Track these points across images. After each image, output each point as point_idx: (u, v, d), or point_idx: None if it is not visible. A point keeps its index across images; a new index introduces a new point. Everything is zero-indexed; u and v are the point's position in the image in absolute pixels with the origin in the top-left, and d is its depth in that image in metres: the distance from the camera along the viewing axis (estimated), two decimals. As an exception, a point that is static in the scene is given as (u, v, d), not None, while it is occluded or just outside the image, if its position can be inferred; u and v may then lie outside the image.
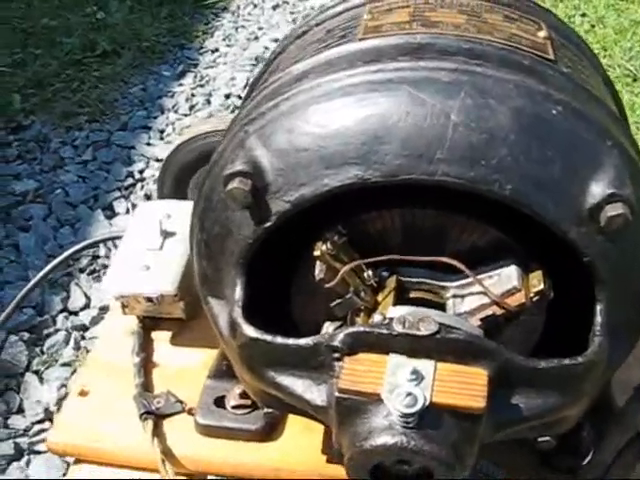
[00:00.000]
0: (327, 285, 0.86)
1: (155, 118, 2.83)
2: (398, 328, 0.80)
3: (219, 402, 1.23)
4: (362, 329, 0.81)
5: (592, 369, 0.84)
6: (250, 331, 0.87)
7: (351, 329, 0.81)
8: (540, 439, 1.03)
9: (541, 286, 0.85)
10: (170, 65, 3.20)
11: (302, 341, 0.85)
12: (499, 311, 0.85)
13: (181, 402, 1.26)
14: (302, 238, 0.89)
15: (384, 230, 0.89)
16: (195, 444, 1.21)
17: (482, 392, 0.78)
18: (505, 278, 0.86)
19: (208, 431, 1.21)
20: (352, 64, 0.85)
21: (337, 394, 0.80)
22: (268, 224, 0.86)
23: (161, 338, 1.37)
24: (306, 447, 1.16)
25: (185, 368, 1.32)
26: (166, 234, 1.38)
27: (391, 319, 0.81)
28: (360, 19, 0.96)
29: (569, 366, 0.83)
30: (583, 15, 3.40)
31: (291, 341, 0.85)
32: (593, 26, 3.30)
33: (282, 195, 0.84)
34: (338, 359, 0.82)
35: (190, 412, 1.24)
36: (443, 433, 0.77)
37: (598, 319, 0.85)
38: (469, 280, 0.87)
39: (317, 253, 0.86)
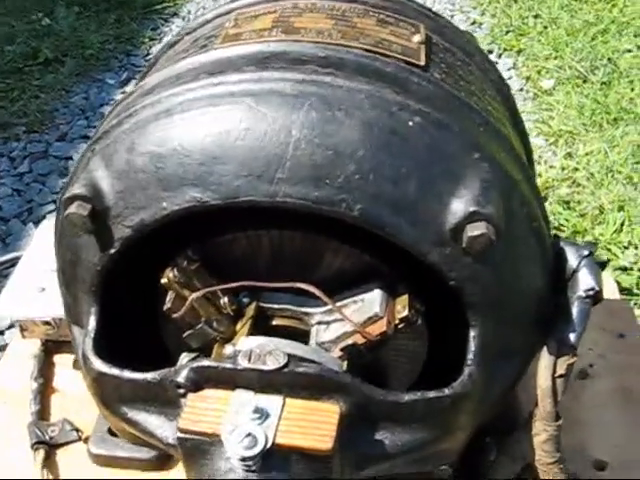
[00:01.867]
0: (174, 315, 0.80)
1: (95, 128, 2.74)
2: (243, 362, 0.73)
3: (114, 431, 1.17)
4: (206, 364, 0.75)
5: (461, 401, 0.78)
6: (98, 364, 0.81)
7: (195, 364, 0.75)
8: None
9: (405, 312, 0.79)
10: (115, 72, 3.13)
11: (149, 375, 0.79)
12: (360, 340, 0.79)
13: (77, 430, 1.20)
14: (157, 264, 0.83)
15: (244, 254, 0.83)
16: (90, 474, 1.15)
17: (330, 432, 0.72)
18: (368, 304, 0.80)
19: (102, 460, 1.15)
20: (196, 77, 0.78)
21: (178, 434, 0.73)
22: (112, 250, 0.79)
23: (64, 362, 1.31)
24: (200, 478, 1.10)
25: (85, 395, 1.25)
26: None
27: (238, 352, 0.75)
28: (223, 27, 0.90)
29: (435, 399, 0.76)
30: (536, 16, 3.36)
31: (138, 375, 0.79)
32: (546, 27, 3.25)
33: (122, 220, 0.78)
34: (183, 395, 0.76)
35: (86, 441, 1.18)
36: (290, 476, 0.71)
37: (471, 346, 0.79)
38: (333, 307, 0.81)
39: (164, 281, 0.79)
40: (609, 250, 2.09)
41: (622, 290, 1.80)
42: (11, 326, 2.04)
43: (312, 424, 0.72)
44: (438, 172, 0.75)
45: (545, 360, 0.85)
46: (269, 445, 0.70)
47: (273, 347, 0.75)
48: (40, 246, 1.36)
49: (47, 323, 1.27)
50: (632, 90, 2.73)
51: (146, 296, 0.88)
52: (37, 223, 2.33)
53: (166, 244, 0.82)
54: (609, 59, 2.91)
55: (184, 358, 0.80)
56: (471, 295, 0.77)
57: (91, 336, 0.83)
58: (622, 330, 1.35)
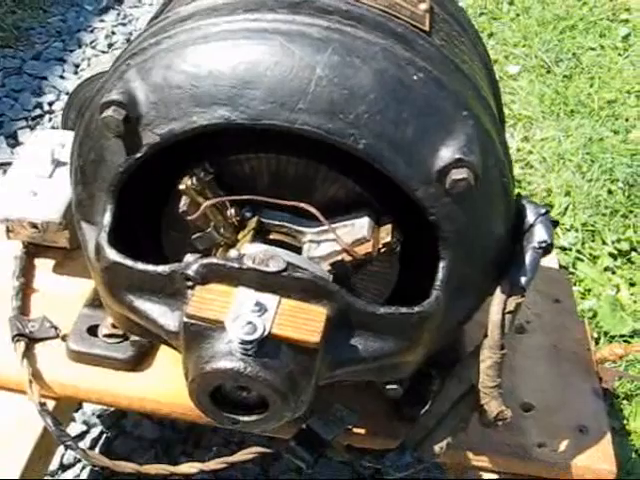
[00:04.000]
0: (189, 218, 0.91)
1: (71, 51, 2.78)
2: (248, 263, 0.85)
3: (92, 330, 1.26)
4: (215, 261, 0.86)
5: (427, 319, 0.91)
6: (113, 255, 0.91)
7: (205, 260, 0.87)
8: (388, 387, 1.11)
9: (388, 238, 0.91)
10: (94, -1, 3.16)
11: (160, 268, 0.89)
12: (348, 258, 0.91)
13: (56, 328, 1.29)
14: (174, 173, 0.94)
15: (253, 173, 0.94)
16: (65, 370, 1.24)
17: (319, 328, 0.84)
18: (357, 228, 0.92)
19: (78, 357, 1.24)
20: (233, 11, 0.89)
21: (185, 319, 0.85)
22: (139, 155, 0.90)
23: (44, 265, 1.39)
24: (172, 379, 1.19)
25: (65, 296, 1.34)
26: (57, 163, 1.40)
27: (244, 255, 0.86)
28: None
29: (405, 314, 0.89)
30: (510, 3, 3.48)
31: (150, 267, 0.90)
32: (518, 15, 3.38)
33: (153, 128, 0.88)
34: (191, 287, 0.87)
35: (64, 338, 1.27)
36: (280, 363, 0.83)
37: (439, 275, 0.92)
38: (325, 227, 0.93)
39: (182, 187, 0.90)
40: (552, 230, 2.24)
41: (560, 268, 1.96)
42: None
43: (303, 321, 0.84)
44: (432, 122, 0.88)
45: (498, 297, 0.99)
46: (266, 333, 0.82)
47: (274, 253, 0.87)
48: (32, 154, 1.42)
49: (35, 226, 1.34)
50: (591, 86, 2.89)
51: (153, 199, 0.98)
52: (8, 137, 2.36)
53: (184, 157, 0.92)
54: (574, 54, 3.07)
55: (190, 258, 0.91)
56: (445, 231, 0.90)
57: (106, 230, 0.93)
58: (558, 296, 1.51)
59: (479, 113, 0.92)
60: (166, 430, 1.68)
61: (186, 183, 0.90)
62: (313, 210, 0.90)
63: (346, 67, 0.85)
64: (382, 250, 0.92)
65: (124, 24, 2.95)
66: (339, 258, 0.92)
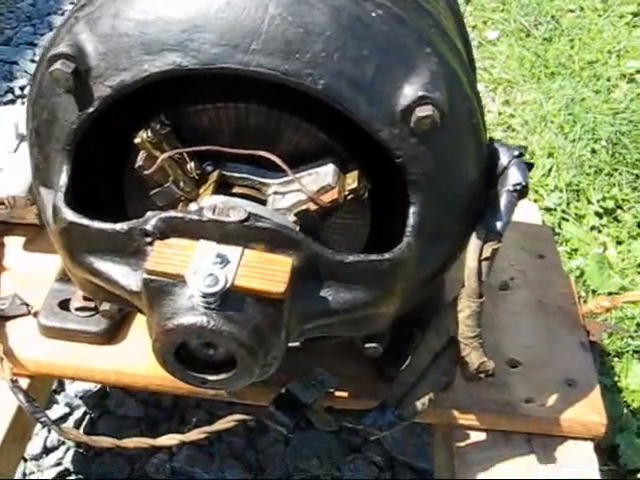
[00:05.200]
0: (145, 172, 0.87)
1: (42, 35, 2.75)
2: (208, 214, 0.82)
3: (64, 305, 1.23)
4: (173, 214, 0.83)
5: (398, 266, 0.87)
6: (69, 215, 0.88)
7: (163, 214, 0.83)
8: (367, 345, 1.08)
9: (355, 184, 0.88)
10: (64, -18, 3.11)
11: (118, 226, 0.86)
12: (313, 207, 0.88)
13: (27, 305, 1.26)
14: (132, 128, 0.90)
15: (212, 125, 0.91)
16: (37, 346, 1.21)
17: (284, 278, 0.81)
18: (322, 176, 0.89)
19: (51, 333, 1.22)
20: (181, -47, 0.85)
21: (144, 275, 0.81)
22: (91, 109, 0.86)
23: (14, 243, 1.36)
24: (148, 352, 1.15)
25: (36, 273, 1.31)
26: (22, 137, 1.36)
27: (203, 207, 0.83)
28: None
29: (376, 262, 0.86)
30: (487, -31, 3.46)
31: (108, 225, 0.87)
32: (496, -20, 3.36)
33: (104, 80, 0.84)
34: (150, 244, 0.84)
35: (35, 315, 1.24)
36: (245, 316, 0.80)
37: (410, 221, 0.89)
38: (289, 178, 0.90)
39: (137, 140, 0.87)
40: (536, 192, 2.23)
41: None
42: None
43: (267, 271, 0.81)
44: (394, 59, 0.84)
45: (473, 244, 0.96)
46: (228, 285, 0.78)
47: (235, 204, 0.83)
48: (-4, 130, 1.39)
49: (1, 203, 1.31)
50: (571, 48, 2.86)
51: (113, 158, 0.95)
52: (-18, 126, 2.33)
53: (139, 109, 0.89)
54: (552, 17, 3.03)
55: (149, 214, 0.87)
56: (414, 174, 0.87)
57: (62, 190, 0.89)
58: (542, 251, 1.48)
59: (443, 51, 0.89)
60: (150, 408, 1.66)
61: (142, 136, 0.87)
62: (275, 158, 0.87)
63: (300, 4, 0.81)
64: (349, 197, 0.88)
65: (94, 5, 2.91)
66: (304, 207, 0.88)
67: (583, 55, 2.80)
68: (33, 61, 2.61)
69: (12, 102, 2.43)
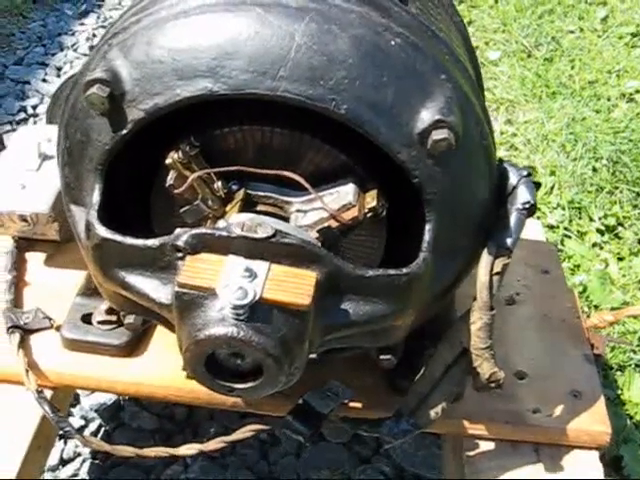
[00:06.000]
0: (176, 191, 0.92)
1: (53, 55, 2.80)
2: (237, 231, 0.86)
3: (86, 319, 1.27)
4: (204, 231, 0.88)
5: (415, 281, 0.92)
6: (102, 231, 0.92)
7: (194, 231, 0.88)
8: (382, 357, 1.12)
9: (374, 203, 0.93)
10: (73, 4, 3.16)
11: (150, 242, 0.91)
12: (335, 224, 0.93)
13: (50, 319, 1.30)
14: (162, 149, 0.95)
15: (238, 146, 0.96)
16: (60, 359, 1.25)
17: (309, 291, 0.85)
18: (343, 195, 0.93)
19: (73, 345, 1.25)
20: (211, -14, 0.90)
21: (176, 288, 0.86)
22: (124, 131, 0.91)
23: (35, 259, 1.40)
24: (167, 364, 1.21)
25: (57, 288, 1.35)
26: (45, 156, 1.41)
27: (232, 224, 0.88)
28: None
29: (394, 276, 0.91)
30: (489, -10, 3.52)
31: (139, 241, 0.91)
32: (497, 2, 3.40)
33: (138, 104, 0.89)
34: (182, 258, 0.88)
35: (58, 329, 1.28)
36: (272, 327, 0.85)
37: (426, 237, 0.94)
38: (311, 196, 0.94)
39: (169, 161, 0.92)
40: (539, 209, 2.27)
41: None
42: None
43: (293, 285, 0.85)
44: (412, 85, 0.89)
45: (485, 259, 1.01)
46: (257, 298, 0.83)
47: (262, 221, 0.88)
48: (19, 148, 1.44)
49: (24, 219, 1.36)
50: (572, 68, 2.92)
51: (142, 177, 0.99)
52: (-6, 143, 2.38)
53: (171, 132, 0.93)
54: (553, 37, 3.09)
55: (179, 230, 0.92)
56: (430, 193, 0.92)
57: (95, 208, 0.94)
58: (546, 267, 1.53)
59: (457, 77, 0.94)
60: (164, 421, 1.69)
61: (172, 157, 0.91)
62: (298, 178, 0.91)
63: (324, 34, 0.86)
64: (368, 215, 0.93)
65: (104, 26, 2.98)
66: (326, 225, 0.93)
67: (583, 75, 2.86)
68: (45, 80, 2.66)
69: (25, 120, 2.48)
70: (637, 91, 2.79)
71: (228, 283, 0.84)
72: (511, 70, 2.90)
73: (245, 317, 0.83)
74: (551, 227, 2.22)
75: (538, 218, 2.22)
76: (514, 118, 2.66)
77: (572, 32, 3.14)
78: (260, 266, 0.86)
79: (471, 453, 1.23)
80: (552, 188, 2.35)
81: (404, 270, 0.91)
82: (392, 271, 0.91)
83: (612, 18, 3.20)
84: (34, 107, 2.54)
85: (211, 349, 0.86)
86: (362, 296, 0.91)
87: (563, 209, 2.27)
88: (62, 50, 2.84)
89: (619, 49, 3.01)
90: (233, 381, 0.90)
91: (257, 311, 0.84)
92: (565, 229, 2.21)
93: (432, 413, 1.08)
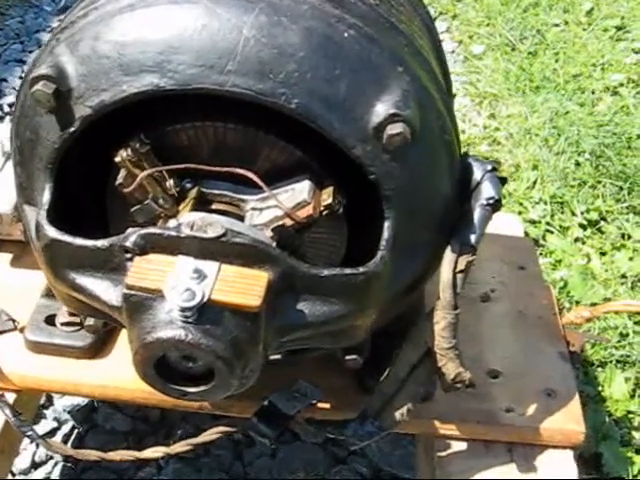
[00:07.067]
0: (126, 190, 0.89)
1: (31, 52, 2.77)
2: (186, 230, 0.84)
3: (50, 320, 1.25)
4: (152, 231, 0.85)
5: (373, 280, 0.90)
6: (52, 232, 0.90)
7: (142, 231, 0.85)
8: (347, 357, 1.10)
9: (330, 200, 0.90)
10: (52, 0, 3.13)
11: (99, 242, 0.88)
12: (290, 222, 0.90)
13: (14, 320, 1.27)
14: (113, 147, 0.92)
15: (191, 143, 0.93)
16: (24, 361, 1.23)
17: (260, 292, 0.83)
18: (298, 192, 0.91)
19: (37, 348, 1.23)
20: (158, -22, 0.88)
21: (124, 290, 0.83)
22: (72, 129, 0.88)
23: (1, 260, 1.37)
24: (132, 365, 1.19)
25: (22, 289, 1.33)
26: (9, 156, 1.38)
27: (181, 223, 0.85)
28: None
29: (350, 275, 0.88)
30: (473, -16, 3.49)
31: (89, 242, 0.89)
32: (482, -5, 3.39)
33: (84, 100, 0.87)
34: (130, 260, 0.86)
35: (22, 331, 1.25)
36: (222, 329, 0.82)
37: (384, 234, 0.91)
38: (266, 194, 0.92)
39: (118, 159, 0.89)
40: (521, 204, 2.25)
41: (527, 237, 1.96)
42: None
43: (244, 286, 0.83)
44: (366, 78, 0.87)
45: (448, 257, 0.98)
46: (205, 299, 0.80)
47: (213, 220, 0.85)
48: (-15, 150, 1.42)
49: (-12, 220, 1.33)
50: (556, 62, 2.89)
51: (95, 176, 0.97)
52: (-29, 141, 2.35)
53: (119, 129, 0.91)
54: (538, 31, 3.07)
55: (130, 230, 0.89)
56: (387, 189, 0.89)
57: (45, 208, 0.92)
58: (523, 263, 1.50)
59: (416, 69, 0.91)
60: (138, 422, 1.67)
61: (122, 155, 0.89)
62: (252, 175, 0.89)
63: (274, 26, 0.84)
64: (324, 212, 0.91)
65: (83, 23, 2.94)
66: (281, 223, 0.90)
67: (568, 69, 2.84)
68: (22, 78, 2.62)
69: (1, 119, 2.45)
70: (621, 84, 2.76)
71: (176, 284, 0.81)
72: (495, 64, 2.88)
73: (193, 319, 0.81)
74: (533, 222, 2.19)
75: (520, 213, 2.21)
76: (497, 112, 2.64)
77: (557, 25, 3.12)
78: (210, 267, 0.84)
79: (443, 454, 1.21)
80: (534, 183, 2.32)
81: (361, 269, 0.88)
82: (348, 270, 0.88)
83: (597, 11, 3.17)
84: (10, 105, 2.51)
85: (160, 352, 0.83)
86: (318, 296, 0.89)
87: (545, 204, 2.25)
88: (40, 47, 2.79)
89: (604, 42, 2.99)
90: (185, 385, 0.87)
91: (206, 313, 0.81)
92: (547, 224, 2.19)
93: (397, 414, 1.06)
